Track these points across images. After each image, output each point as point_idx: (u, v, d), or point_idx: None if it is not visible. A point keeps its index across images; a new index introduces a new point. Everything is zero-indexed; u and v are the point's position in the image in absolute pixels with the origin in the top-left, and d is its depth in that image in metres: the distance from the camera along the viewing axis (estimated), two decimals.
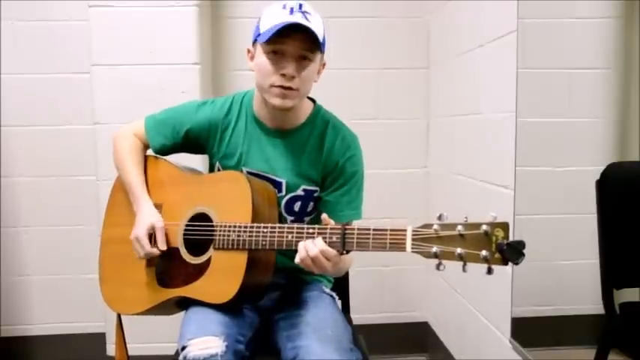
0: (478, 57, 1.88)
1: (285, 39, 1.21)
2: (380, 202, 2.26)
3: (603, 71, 1.42)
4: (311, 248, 1.10)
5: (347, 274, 1.61)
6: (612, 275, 1.29)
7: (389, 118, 2.43)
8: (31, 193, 2.39)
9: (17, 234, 2.41)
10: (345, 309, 1.60)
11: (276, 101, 1.26)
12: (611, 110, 1.42)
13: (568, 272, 1.50)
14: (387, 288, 2.52)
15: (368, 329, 1.69)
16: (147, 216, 1.30)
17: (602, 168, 1.31)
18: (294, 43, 1.22)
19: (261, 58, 1.25)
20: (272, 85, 1.25)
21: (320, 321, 1.26)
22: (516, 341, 1.58)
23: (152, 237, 1.29)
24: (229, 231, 1.21)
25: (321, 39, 1.24)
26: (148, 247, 1.27)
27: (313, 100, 1.42)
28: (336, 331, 1.24)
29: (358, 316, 1.62)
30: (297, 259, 1.12)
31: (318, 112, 1.39)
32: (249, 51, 1.33)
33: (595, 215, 1.30)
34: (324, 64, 1.34)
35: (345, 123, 1.41)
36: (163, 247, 1.28)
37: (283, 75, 1.23)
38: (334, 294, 1.47)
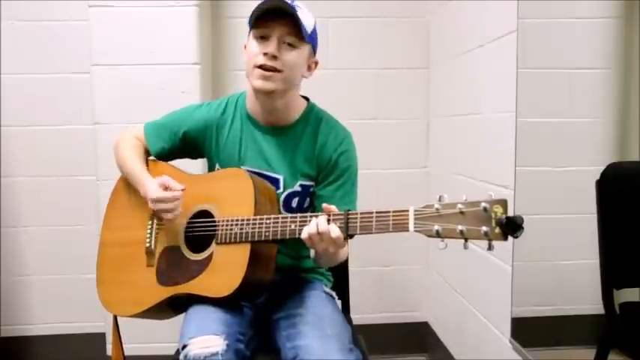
0: (478, 57, 1.88)
1: (269, 23, 1.25)
2: (380, 202, 2.25)
3: (603, 71, 1.42)
4: (322, 223, 1.11)
5: (347, 274, 1.61)
6: (612, 275, 1.29)
7: (389, 118, 2.43)
8: (31, 193, 2.39)
9: (17, 234, 2.41)
10: (345, 309, 1.60)
11: (258, 83, 1.28)
12: (611, 110, 1.42)
13: (568, 272, 1.50)
14: (387, 288, 2.51)
15: (368, 329, 1.69)
16: (152, 182, 1.30)
17: (602, 168, 1.31)
18: (277, 27, 1.26)
19: (250, 43, 1.30)
20: (255, 66, 1.27)
21: (320, 320, 1.26)
22: (516, 341, 1.58)
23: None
24: (232, 225, 1.22)
25: (306, 27, 1.27)
26: (170, 195, 1.26)
27: (307, 99, 1.43)
28: (335, 330, 1.24)
29: (358, 316, 1.62)
30: (304, 234, 1.12)
31: (311, 110, 1.41)
32: (245, 46, 1.35)
33: (595, 215, 1.30)
34: (316, 63, 1.37)
35: (345, 123, 1.42)
36: (181, 186, 1.27)
37: (265, 54, 1.25)
38: (334, 293, 1.48)
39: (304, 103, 1.42)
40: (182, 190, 1.28)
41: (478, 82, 1.89)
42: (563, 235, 1.48)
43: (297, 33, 1.27)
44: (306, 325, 1.23)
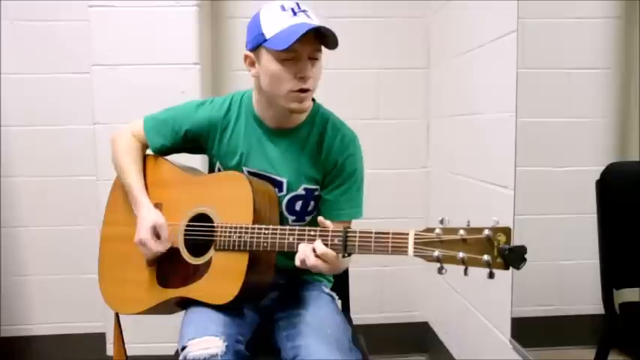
0: (478, 57, 1.88)
1: (297, 44, 1.18)
2: (380, 202, 2.26)
3: (603, 71, 1.42)
4: (309, 256, 1.10)
5: (347, 274, 1.61)
6: (612, 275, 1.29)
7: (389, 118, 2.43)
8: (31, 193, 2.39)
9: (17, 234, 2.41)
10: (345, 309, 1.60)
11: (296, 106, 1.26)
12: (611, 110, 1.42)
13: (568, 272, 1.50)
14: (387, 288, 2.52)
15: (368, 329, 1.69)
16: (148, 216, 1.30)
17: (602, 168, 1.31)
18: (308, 46, 1.21)
19: (273, 66, 1.23)
20: (290, 91, 1.24)
21: (319, 320, 1.26)
22: (516, 341, 1.58)
23: (156, 236, 1.29)
24: (230, 232, 1.21)
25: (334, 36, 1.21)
26: (154, 247, 1.28)
27: (312, 99, 1.41)
28: (335, 330, 1.24)
29: (358, 316, 1.62)
30: (297, 262, 1.13)
31: (317, 111, 1.39)
32: (246, 57, 1.30)
33: (595, 215, 1.30)
34: None
35: (345, 123, 1.41)
36: (168, 245, 1.28)
37: (301, 78, 1.22)
38: (334, 294, 1.47)
39: (310, 103, 1.39)
40: (167, 247, 1.28)
41: (478, 82, 1.89)
42: (563, 235, 1.48)
43: (320, 44, 1.23)
44: (306, 325, 1.23)
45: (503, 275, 1.60)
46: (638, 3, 1.34)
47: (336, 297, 1.49)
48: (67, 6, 2.31)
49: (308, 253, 1.11)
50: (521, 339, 1.57)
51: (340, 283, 1.56)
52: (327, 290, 1.44)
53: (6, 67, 2.33)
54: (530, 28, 1.52)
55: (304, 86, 1.23)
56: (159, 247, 1.28)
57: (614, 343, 1.32)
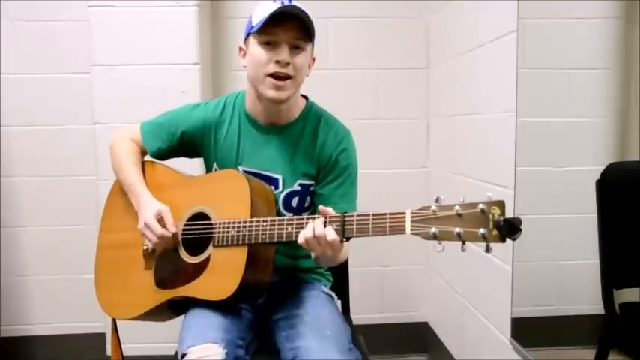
0: (478, 57, 1.88)
1: (277, 29, 1.23)
2: (380, 202, 2.25)
3: (603, 71, 1.42)
4: (318, 226, 1.10)
5: (347, 274, 1.61)
6: (612, 275, 1.29)
7: (389, 118, 2.43)
8: (31, 193, 2.39)
9: (17, 234, 2.41)
10: (345, 308, 1.60)
11: (272, 93, 1.26)
12: (611, 110, 1.42)
13: (568, 272, 1.50)
14: (387, 288, 2.51)
15: (368, 329, 1.69)
16: (152, 204, 1.31)
17: (602, 168, 1.31)
18: (287, 32, 1.23)
19: (255, 50, 1.26)
20: (267, 75, 1.25)
21: (319, 321, 1.26)
22: (516, 341, 1.58)
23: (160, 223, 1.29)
24: (228, 227, 1.21)
25: (312, 26, 1.24)
26: (159, 230, 1.26)
27: (305, 97, 1.42)
28: (335, 330, 1.24)
29: (358, 316, 1.62)
30: (300, 238, 1.11)
31: (310, 108, 1.40)
32: (241, 49, 1.34)
33: (595, 215, 1.30)
34: (313, 59, 1.35)
35: (345, 123, 1.42)
36: (173, 230, 1.27)
37: (278, 62, 1.24)
38: (333, 293, 1.47)
39: (303, 101, 1.41)
40: (172, 233, 1.27)
41: (478, 82, 1.89)
42: (563, 235, 1.48)
43: (305, 35, 1.25)
44: (305, 325, 1.23)
45: (503, 275, 1.61)
46: (638, 3, 1.34)
47: (336, 297, 1.48)
48: (66, 6, 2.31)
49: (318, 223, 1.10)
50: (521, 339, 1.57)
51: (340, 283, 1.56)
52: (327, 290, 1.44)
53: (6, 67, 2.33)
54: (530, 28, 1.52)
55: (281, 70, 1.24)
56: (164, 231, 1.26)
57: (614, 343, 1.32)
